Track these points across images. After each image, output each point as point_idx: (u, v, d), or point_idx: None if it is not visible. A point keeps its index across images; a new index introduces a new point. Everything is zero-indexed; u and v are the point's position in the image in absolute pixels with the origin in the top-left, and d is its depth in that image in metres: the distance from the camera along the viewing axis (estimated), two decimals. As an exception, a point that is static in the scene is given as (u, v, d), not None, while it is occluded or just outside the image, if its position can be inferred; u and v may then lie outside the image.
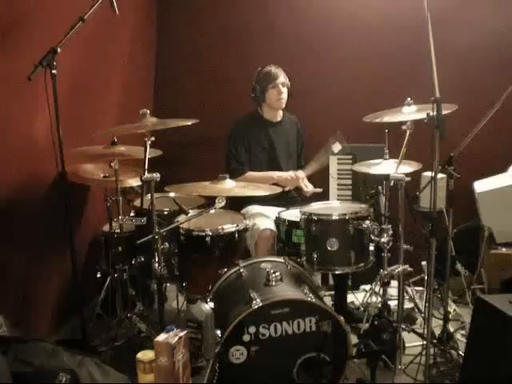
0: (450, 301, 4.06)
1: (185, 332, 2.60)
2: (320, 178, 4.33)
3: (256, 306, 2.73)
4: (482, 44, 4.38)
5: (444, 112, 3.10)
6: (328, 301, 3.98)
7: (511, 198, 3.54)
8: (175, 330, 2.58)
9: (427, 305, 2.94)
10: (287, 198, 3.88)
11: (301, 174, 3.84)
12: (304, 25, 4.64)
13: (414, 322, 3.82)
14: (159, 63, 4.91)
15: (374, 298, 3.85)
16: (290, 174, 3.84)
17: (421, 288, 4.13)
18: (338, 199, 4.19)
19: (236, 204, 3.76)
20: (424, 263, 4.03)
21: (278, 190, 3.27)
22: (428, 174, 3.68)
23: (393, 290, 3.78)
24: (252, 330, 2.76)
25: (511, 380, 2.81)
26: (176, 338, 2.53)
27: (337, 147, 3.87)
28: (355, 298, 4.06)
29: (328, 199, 4.17)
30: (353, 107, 4.07)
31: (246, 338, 2.76)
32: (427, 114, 2.73)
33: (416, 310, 3.87)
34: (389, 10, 4.48)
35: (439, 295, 3.98)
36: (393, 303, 3.64)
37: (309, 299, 2.82)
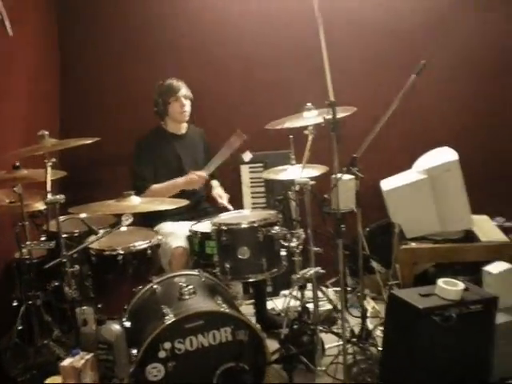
0: (369, 298, 4.14)
1: (91, 354, 2.56)
2: (234, 187, 4.36)
3: (169, 322, 2.72)
4: (383, 46, 4.54)
5: (343, 114, 3.20)
6: (250, 309, 4.00)
7: (416, 194, 3.62)
8: (81, 353, 2.53)
9: (342, 304, 3.00)
10: (200, 210, 3.86)
11: (201, 173, 3.76)
12: (206, 36, 4.63)
13: (335, 323, 3.87)
14: (64, 83, 4.80)
15: (294, 303, 3.88)
16: (191, 175, 3.77)
17: (339, 288, 4.18)
18: (253, 207, 4.23)
19: (148, 220, 3.72)
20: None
21: (184, 202, 3.25)
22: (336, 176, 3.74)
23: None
24: (167, 345, 2.74)
25: (425, 371, 2.89)
26: (82, 361, 2.48)
27: (247, 156, 3.89)
28: (275, 304, 4.09)
29: (243, 208, 4.20)
30: (258, 115, 4.05)
31: (162, 354, 2.73)
32: (323, 118, 2.78)
33: (335, 311, 3.92)
34: (287, 17, 4.52)
35: (358, 294, 4.05)
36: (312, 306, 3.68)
37: (221, 309, 2.83)
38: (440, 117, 4.61)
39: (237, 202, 4.19)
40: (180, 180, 3.78)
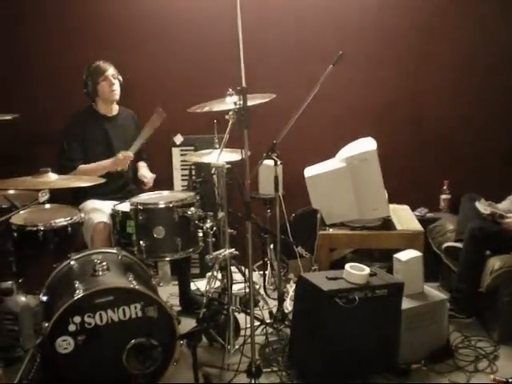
0: (293, 282, 4.26)
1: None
2: (165, 169, 4.43)
3: (78, 296, 2.80)
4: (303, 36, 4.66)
5: (261, 101, 3.30)
6: (177, 289, 4.09)
7: (335, 182, 3.71)
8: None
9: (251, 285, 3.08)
10: (126, 191, 3.90)
11: (126, 153, 3.80)
12: (136, 19, 4.64)
13: (256, 305, 3.97)
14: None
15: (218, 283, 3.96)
16: (117, 156, 3.80)
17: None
18: (183, 190, 4.31)
19: (76, 199, 3.79)
20: (271, 247, 4.18)
21: (101, 180, 3.31)
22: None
23: (237, 275, 3.88)
24: (77, 319, 2.81)
25: (330, 352, 3.02)
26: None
27: (178, 139, 3.95)
28: (196, 286, 4.17)
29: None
30: (191, 98, 4.07)
31: (72, 328, 2.80)
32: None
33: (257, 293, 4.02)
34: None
35: (284, 277, 4.16)
36: (236, 287, 3.78)
37: (131, 286, 2.91)
38: (367, 108, 4.72)
39: (168, 184, 4.27)
40: (107, 161, 3.83)
